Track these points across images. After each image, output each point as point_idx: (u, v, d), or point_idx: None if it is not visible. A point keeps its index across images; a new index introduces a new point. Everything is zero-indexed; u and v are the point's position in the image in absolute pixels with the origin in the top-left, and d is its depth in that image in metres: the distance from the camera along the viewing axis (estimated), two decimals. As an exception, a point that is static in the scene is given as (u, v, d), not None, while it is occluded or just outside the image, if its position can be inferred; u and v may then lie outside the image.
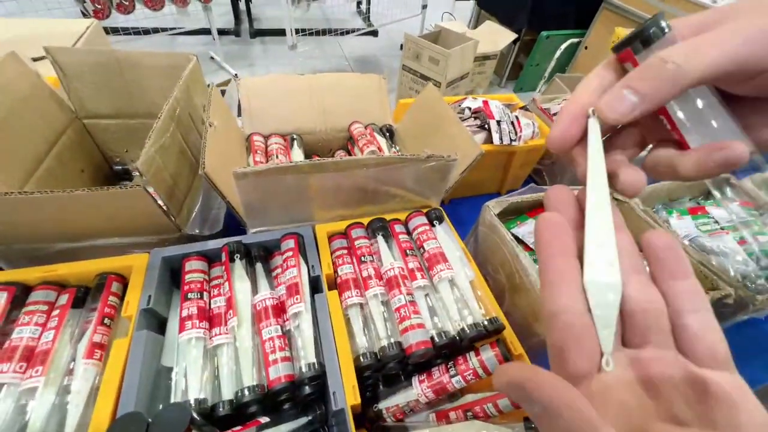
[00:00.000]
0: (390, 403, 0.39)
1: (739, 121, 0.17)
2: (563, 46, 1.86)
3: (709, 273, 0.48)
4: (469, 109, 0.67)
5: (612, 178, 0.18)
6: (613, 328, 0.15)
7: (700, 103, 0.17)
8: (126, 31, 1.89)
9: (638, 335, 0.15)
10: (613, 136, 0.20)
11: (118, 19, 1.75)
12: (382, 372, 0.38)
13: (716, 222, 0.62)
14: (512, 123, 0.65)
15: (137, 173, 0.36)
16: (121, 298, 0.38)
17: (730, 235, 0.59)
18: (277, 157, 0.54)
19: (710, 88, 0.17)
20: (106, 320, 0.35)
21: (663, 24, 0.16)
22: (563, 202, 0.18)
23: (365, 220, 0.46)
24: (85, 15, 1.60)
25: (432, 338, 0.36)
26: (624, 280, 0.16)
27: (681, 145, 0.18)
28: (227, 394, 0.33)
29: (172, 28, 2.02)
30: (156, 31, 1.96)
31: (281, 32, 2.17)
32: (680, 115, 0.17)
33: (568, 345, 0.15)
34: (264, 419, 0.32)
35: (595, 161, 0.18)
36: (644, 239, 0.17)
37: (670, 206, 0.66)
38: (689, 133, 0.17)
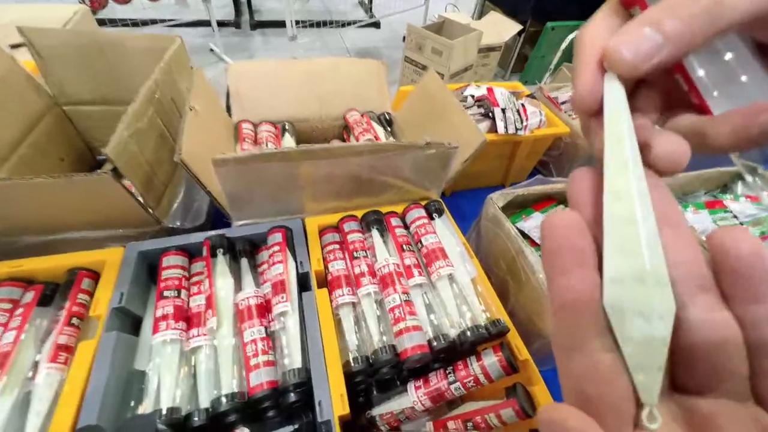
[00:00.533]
0: (384, 410, 0.36)
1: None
2: (569, 38, 1.80)
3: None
4: (473, 96, 0.63)
5: (642, 151, 0.13)
6: (659, 372, 0.11)
7: (728, 56, 0.13)
8: (124, 22, 1.86)
9: (700, 378, 0.11)
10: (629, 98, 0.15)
11: (115, 10, 1.72)
12: (375, 377, 0.35)
13: (735, 216, 0.58)
14: (518, 111, 0.61)
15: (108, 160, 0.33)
16: (93, 296, 0.35)
17: (751, 230, 0.55)
18: (266, 145, 0.51)
19: (743, 37, 0.13)
20: (75, 320, 0.33)
21: None
22: (589, 191, 0.13)
23: (359, 213, 0.42)
24: (82, 4, 1.56)
25: (429, 341, 0.33)
26: (683, 301, 0.11)
27: (702, 111, 0.14)
28: (204, 401, 0.30)
29: (171, 20, 1.98)
30: (154, 22, 1.92)
31: (282, 24, 2.12)
32: (701, 72, 0.13)
33: (588, 405, 0.11)
34: (243, 430, 0.29)
35: (617, 129, 0.13)
36: (713, 241, 0.11)
37: (684, 200, 0.62)
38: (714, 97, 0.13)
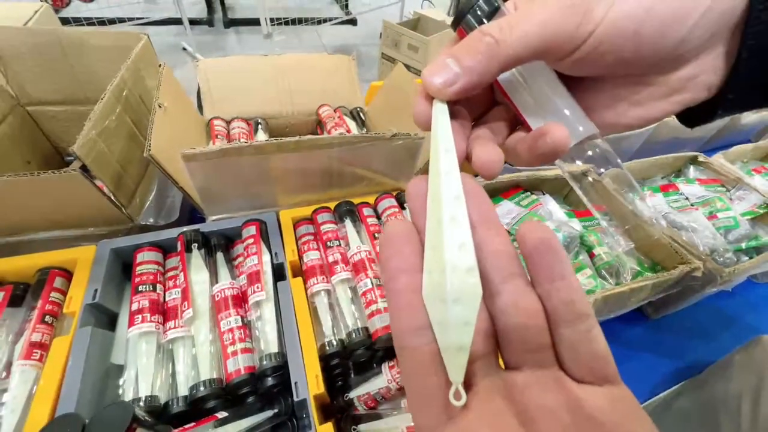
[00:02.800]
0: (361, 392, 0.38)
1: (581, 103, 0.16)
2: (541, 32, 1.86)
3: (678, 248, 0.48)
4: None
5: (469, 158, 0.16)
6: (464, 352, 0.12)
7: (534, 83, 0.16)
8: (89, 21, 1.79)
9: (516, 354, 0.12)
10: (484, 114, 0.19)
11: (80, 8, 1.66)
12: (351, 359, 0.37)
13: (687, 198, 0.63)
14: (486, 104, 0.63)
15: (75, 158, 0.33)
16: (66, 294, 0.35)
17: (700, 210, 0.60)
18: (238, 141, 0.51)
19: (547, 67, 0.16)
20: (48, 318, 0.33)
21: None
22: (423, 198, 0.14)
23: (332, 204, 0.44)
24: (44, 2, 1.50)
25: (400, 322, 0.35)
26: (496, 290, 0.12)
27: (527, 128, 0.17)
28: (183, 390, 0.31)
29: (139, 18, 1.92)
30: (122, 21, 1.86)
31: (256, 21, 2.09)
32: (517, 94, 0.17)
33: (415, 396, 0.12)
34: (222, 414, 0.30)
35: (435, 144, 0.15)
36: (518, 234, 0.13)
37: (642, 184, 0.66)
38: (528, 114, 0.17)
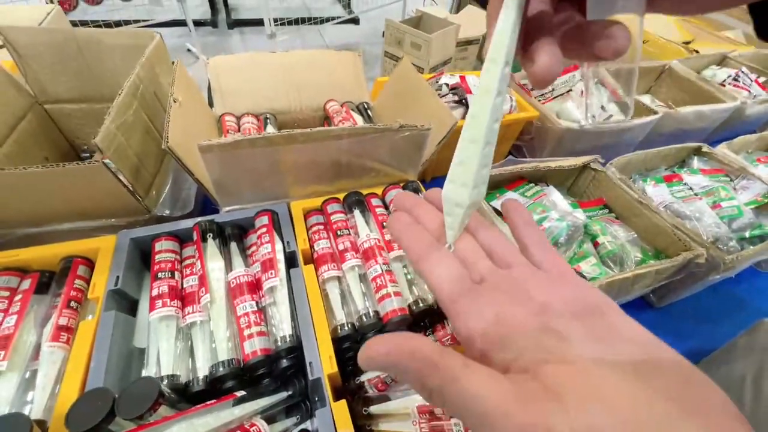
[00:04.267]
0: (371, 375, 0.39)
1: None
2: (544, 28, 1.86)
3: (682, 236, 0.49)
4: (447, 85, 0.67)
5: (526, 64, 0.16)
6: (460, 229, 0.18)
7: None
8: (96, 23, 1.82)
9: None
10: None
11: (87, 11, 1.68)
12: (362, 342, 0.38)
13: (690, 189, 0.63)
14: (490, 97, 0.64)
15: (99, 151, 0.35)
16: (89, 281, 0.36)
17: (704, 200, 0.60)
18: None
19: None
20: (73, 303, 0.34)
21: None
22: (405, 195, 0.21)
23: (341, 195, 0.45)
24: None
25: (409, 306, 0.36)
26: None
27: (584, 11, 0.16)
28: (202, 371, 0.32)
29: (145, 20, 1.95)
30: (128, 23, 1.89)
31: (260, 22, 2.11)
32: None
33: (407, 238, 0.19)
34: (240, 393, 0.32)
35: (496, 53, 0.15)
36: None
37: (645, 175, 0.67)
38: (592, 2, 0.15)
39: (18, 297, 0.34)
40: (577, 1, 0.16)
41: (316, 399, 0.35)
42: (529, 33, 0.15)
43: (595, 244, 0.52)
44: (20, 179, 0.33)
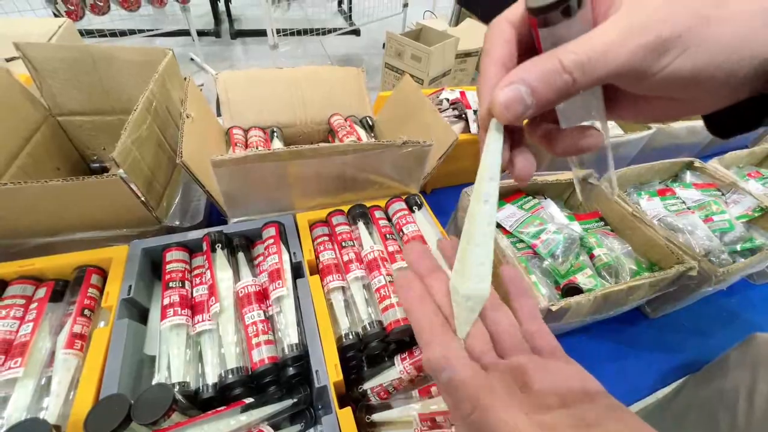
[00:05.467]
0: (374, 383, 0.40)
1: (609, 95, 0.18)
2: (541, 42, 1.90)
3: (675, 249, 0.50)
4: (447, 100, 0.69)
5: (507, 167, 0.20)
6: (468, 325, 0.19)
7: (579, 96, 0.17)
8: (101, 33, 1.85)
9: (506, 351, 0.19)
10: None
11: (92, 21, 1.71)
12: (365, 352, 0.39)
13: (683, 202, 0.65)
14: (489, 112, 0.66)
15: (113, 164, 0.36)
16: (101, 290, 0.38)
17: (696, 214, 0.62)
18: (257, 149, 0.54)
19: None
20: (86, 312, 0.35)
21: None
22: (419, 254, 0.22)
23: (345, 208, 0.46)
24: (57, 16, 1.56)
25: (412, 316, 0.37)
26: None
27: (556, 122, 0.20)
28: (211, 378, 0.34)
29: (149, 30, 1.98)
30: (133, 32, 1.92)
31: (262, 33, 2.15)
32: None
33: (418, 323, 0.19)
34: (248, 400, 0.33)
35: (488, 164, 0.18)
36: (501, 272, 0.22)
37: (640, 189, 0.69)
38: (562, 115, 0.19)
39: (34, 305, 0.35)
40: (551, 115, 0.20)
41: (320, 407, 0.36)
42: (511, 146, 0.20)
43: (591, 256, 0.54)
44: (40, 192, 0.34)
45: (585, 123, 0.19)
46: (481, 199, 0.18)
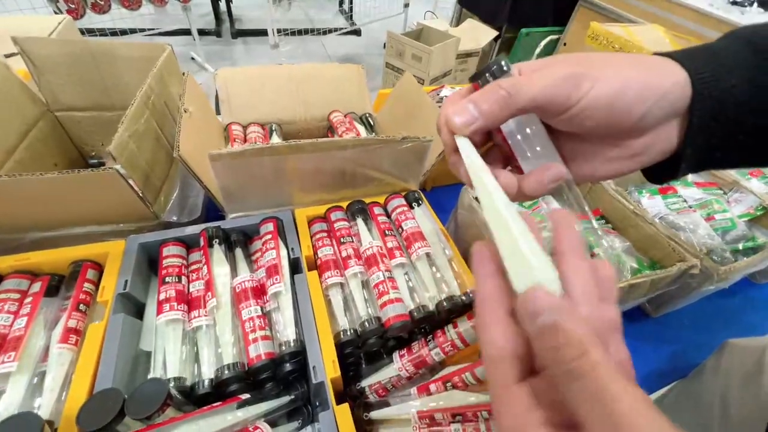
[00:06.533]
0: (372, 381, 0.40)
1: (565, 154, 0.22)
2: (543, 43, 1.90)
3: (676, 246, 0.50)
4: (447, 97, 0.68)
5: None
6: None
7: (529, 133, 0.21)
8: (102, 32, 1.85)
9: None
10: (483, 154, 0.23)
11: (93, 20, 1.71)
12: (364, 349, 0.39)
13: (684, 201, 0.65)
14: (489, 110, 0.66)
15: (111, 158, 0.36)
16: (97, 285, 0.37)
17: (698, 212, 0.61)
18: (255, 144, 0.54)
19: (540, 123, 0.21)
20: (82, 306, 0.35)
21: (503, 64, 0.20)
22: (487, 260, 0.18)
23: (344, 204, 0.46)
24: (57, 15, 1.56)
25: (410, 312, 0.37)
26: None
27: (519, 170, 0.22)
28: (207, 374, 0.33)
29: (150, 29, 1.98)
30: (134, 31, 1.92)
31: (263, 32, 2.15)
32: (514, 140, 0.21)
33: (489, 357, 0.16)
34: (245, 396, 0.32)
35: (478, 173, 0.19)
36: (550, 216, 0.19)
37: (641, 187, 0.68)
38: (523, 159, 0.21)
39: (28, 299, 0.35)
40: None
41: (318, 403, 0.36)
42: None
43: (592, 255, 0.53)
44: (37, 185, 0.34)
45: (542, 161, 0.21)
46: (487, 191, 0.18)
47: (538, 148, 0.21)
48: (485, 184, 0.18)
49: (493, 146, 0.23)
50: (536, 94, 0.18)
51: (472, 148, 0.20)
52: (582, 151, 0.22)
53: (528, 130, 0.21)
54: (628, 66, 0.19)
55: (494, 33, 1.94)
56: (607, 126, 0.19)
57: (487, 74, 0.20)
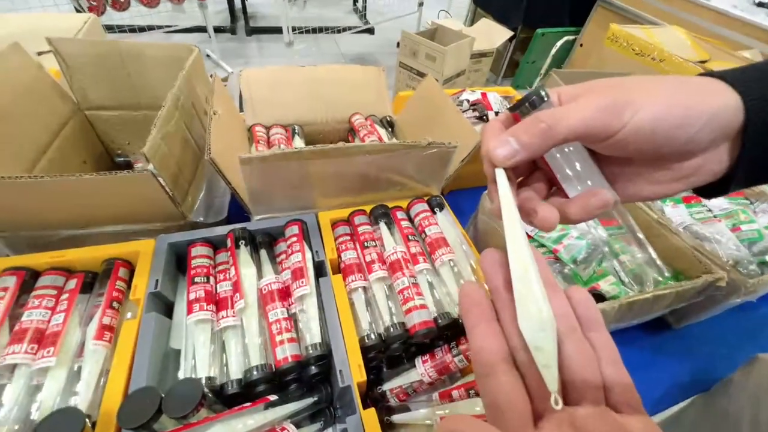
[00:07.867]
0: (393, 385, 0.40)
1: (609, 176, 0.21)
2: (559, 44, 1.88)
3: (702, 258, 0.49)
4: (468, 101, 0.68)
5: (530, 215, 0.21)
6: (554, 366, 0.16)
7: (572, 158, 0.21)
8: (121, 28, 1.89)
9: (577, 392, 0.17)
10: (526, 177, 0.23)
11: (113, 17, 1.74)
12: (387, 353, 0.39)
13: (709, 210, 0.63)
14: (510, 114, 0.66)
15: (143, 159, 0.36)
16: (128, 283, 0.38)
17: (723, 222, 0.60)
18: (279, 147, 0.55)
19: (583, 147, 0.21)
20: (115, 304, 0.36)
21: (542, 94, 0.20)
22: (496, 263, 0.20)
23: (367, 208, 0.46)
24: (78, 12, 1.59)
25: (435, 319, 0.37)
26: (561, 340, 0.17)
27: (563, 193, 0.22)
28: (235, 374, 0.34)
29: (168, 26, 2.01)
30: (151, 28, 1.95)
31: (277, 30, 2.17)
32: (557, 165, 0.21)
33: (501, 406, 0.16)
34: (273, 397, 0.33)
35: (508, 208, 0.19)
36: (568, 293, 0.19)
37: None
38: (567, 184, 0.21)
39: (65, 296, 0.36)
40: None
41: (340, 406, 0.37)
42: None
43: (619, 261, 0.53)
44: (74, 185, 0.35)
45: (587, 185, 0.21)
46: (518, 237, 0.19)
47: (581, 172, 0.21)
48: (512, 221, 0.19)
49: (537, 169, 0.23)
50: (576, 126, 0.18)
51: (507, 185, 0.20)
52: (627, 173, 0.21)
53: (571, 155, 0.21)
54: (671, 89, 0.19)
55: (509, 33, 1.92)
56: (651, 152, 0.19)
57: (527, 104, 0.20)
